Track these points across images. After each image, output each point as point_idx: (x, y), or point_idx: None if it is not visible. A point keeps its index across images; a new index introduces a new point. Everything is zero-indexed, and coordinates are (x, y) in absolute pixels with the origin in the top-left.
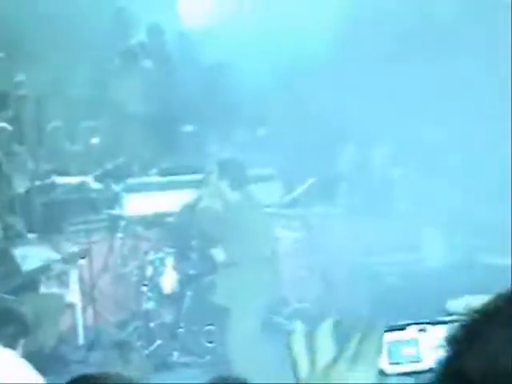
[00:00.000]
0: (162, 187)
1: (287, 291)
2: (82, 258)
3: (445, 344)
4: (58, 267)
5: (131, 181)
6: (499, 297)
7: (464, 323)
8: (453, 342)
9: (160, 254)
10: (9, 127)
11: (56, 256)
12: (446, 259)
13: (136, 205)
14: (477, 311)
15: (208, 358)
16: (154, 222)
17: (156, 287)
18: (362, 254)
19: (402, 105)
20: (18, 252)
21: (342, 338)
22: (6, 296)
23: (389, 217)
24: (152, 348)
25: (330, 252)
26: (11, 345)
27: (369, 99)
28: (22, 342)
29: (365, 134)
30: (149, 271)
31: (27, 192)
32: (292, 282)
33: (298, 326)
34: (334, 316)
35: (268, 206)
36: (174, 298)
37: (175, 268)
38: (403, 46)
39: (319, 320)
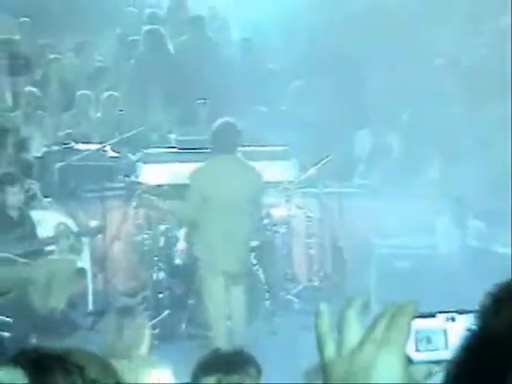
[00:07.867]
0: (179, 159)
1: (297, 269)
2: (99, 233)
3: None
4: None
5: (148, 151)
6: None
7: (491, 294)
8: (480, 309)
9: (173, 225)
10: (36, 91)
11: (69, 222)
12: (459, 247)
13: (152, 175)
14: (502, 285)
15: None
16: (169, 192)
17: (167, 258)
18: (375, 236)
19: (422, 89)
20: (33, 215)
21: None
22: (18, 259)
23: (404, 200)
24: (159, 318)
25: (341, 232)
26: None
27: (389, 82)
28: None
29: (383, 117)
30: (161, 242)
31: (45, 156)
32: (303, 261)
33: (324, 307)
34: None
35: (281, 184)
36: (185, 270)
37: (187, 240)
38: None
39: (327, 299)
